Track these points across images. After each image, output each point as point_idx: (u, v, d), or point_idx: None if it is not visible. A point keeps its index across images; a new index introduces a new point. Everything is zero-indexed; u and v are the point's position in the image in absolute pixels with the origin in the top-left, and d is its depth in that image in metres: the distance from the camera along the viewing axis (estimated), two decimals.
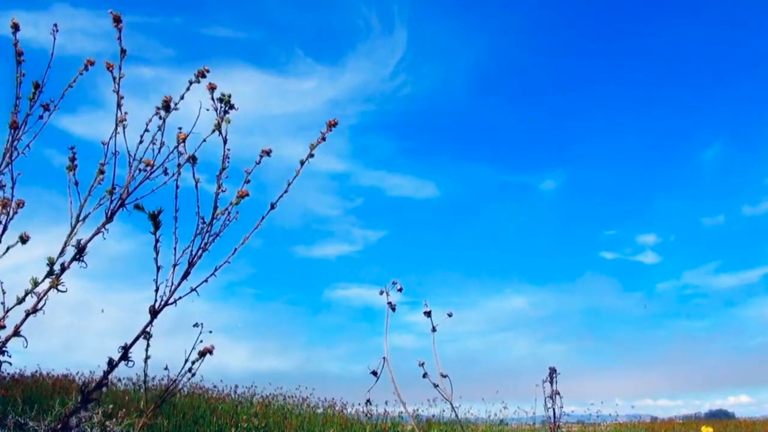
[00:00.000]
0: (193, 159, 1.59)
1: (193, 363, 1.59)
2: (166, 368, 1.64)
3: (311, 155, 1.70)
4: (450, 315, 2.15)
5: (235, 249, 1.63)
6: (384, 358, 2.10)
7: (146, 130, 1.63)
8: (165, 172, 1.63)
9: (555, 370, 3.57)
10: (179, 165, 1.60)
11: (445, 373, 2.11)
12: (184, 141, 1.59)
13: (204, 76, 1.58)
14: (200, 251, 1.60)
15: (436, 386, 2.12)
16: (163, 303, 1.57)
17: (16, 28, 1.69)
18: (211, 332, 1.55)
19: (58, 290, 1.55)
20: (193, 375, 1.60)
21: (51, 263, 1.55)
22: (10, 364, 1.57)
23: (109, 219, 1.59)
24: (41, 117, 1.74)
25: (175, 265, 1.58)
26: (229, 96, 1.56)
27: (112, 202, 1.60)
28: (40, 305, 1.56)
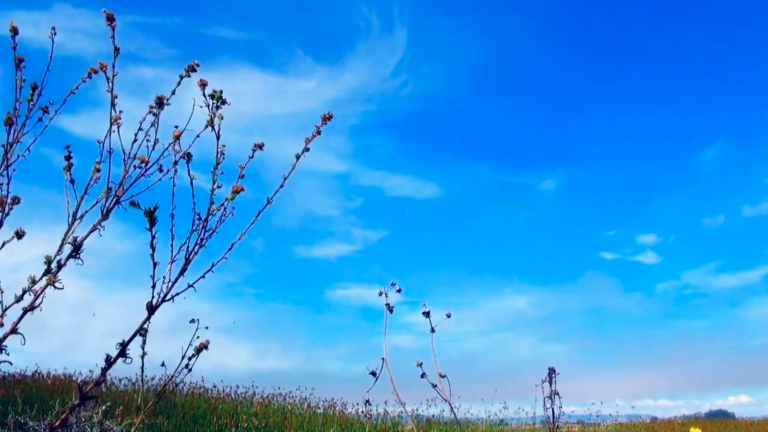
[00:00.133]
0: (187, 156, 1.59)
1: (189, 359, 1.59)
2: (162, 364, 1.65)
3: (307, 149, 1.70)
4: (449, 316, 2.16)
5: (232, 244, 1.64)
6: (383, 358, 2.11)
7: (140, 128, 1.64)
8: (160, 169, 1.64)
9: (554, 371, 3.57)
10: (174, 162, 1.61)
11: (443, 373, 2.11)
12: (178, 138, 1.59)
13: (194, 71, 1.60)
14: (197, 247, 1.61)
15: (434, 386, 2.12)
16: (160, 300, 1.57)
17: (15, 32, 1.70)
18: (207, 328, 1.56)
19: (55, 288, 1.56)
20: (190, 371, 1.61)
21: (48, 261, 1.56)
22: (11, 363, 1.58)
23: (105, 216, 1.60)
24: (40, 119, 1.75)
25: (171, 262, 1.59)
26: (221, 92, 1.57)
27: (108, 199, 1.61)
28: (37, 303, 1.57)
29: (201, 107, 1.61)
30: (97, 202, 1.65)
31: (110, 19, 1.63)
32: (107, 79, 1.65)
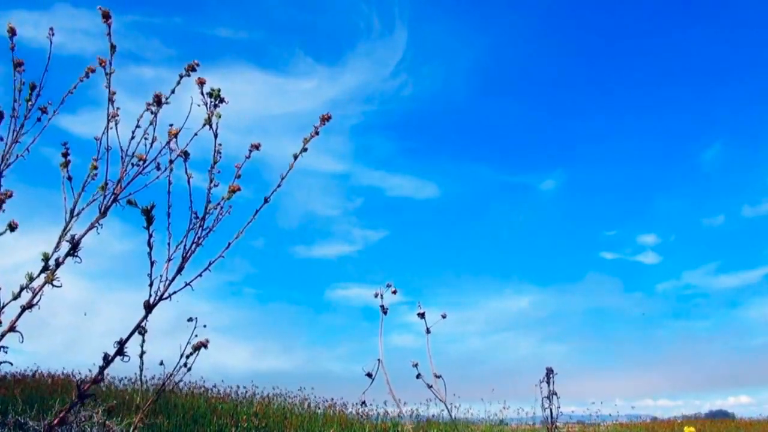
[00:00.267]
0: (185, 154, 1.60)
1: (187, 357, 1.60)
2: (161, 363, 1.65)
3: (305, 149, 1.71)
4: (444, 316, 2.16)
5: (229, 243, 1.65)
6: (378, 359, 2.11)
7: (138, 126, 1.64)
8: (158, 167, 1.64)
9: (552, 371, 3.59)
10: (171, 161, 1.62)
11: (438, 373, 2.12)
12: (175, 136, 1.60)
13: (194, 70, 1.60)
14: (194, 246, 1.61)
15: (429, 387, 2.13)
16: (157, 298, 1.58)
17: (12, 32, 1.70)
18: (205, 326, 1.57)
19: (53, 285, 1.56)
20: (189, 370, 1.62)
21: (46, 258, 1.57)
22: (11, 364, 1.58)
23: (103, 214, 1.60)
24: (39, 119, 1.75)
25: (168, 260, 1.59)
26: (219, 90, 1.58)
27: (105, 197, 1.61)
28: (35, 300, 1.57)
29: (199, 106, 1.61)
30: (94, 200, 1.65)
31: (106, 16, 1.63)
32: (106, 74, 1.66)
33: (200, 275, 1.62)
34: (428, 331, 2.17)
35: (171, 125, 1.62)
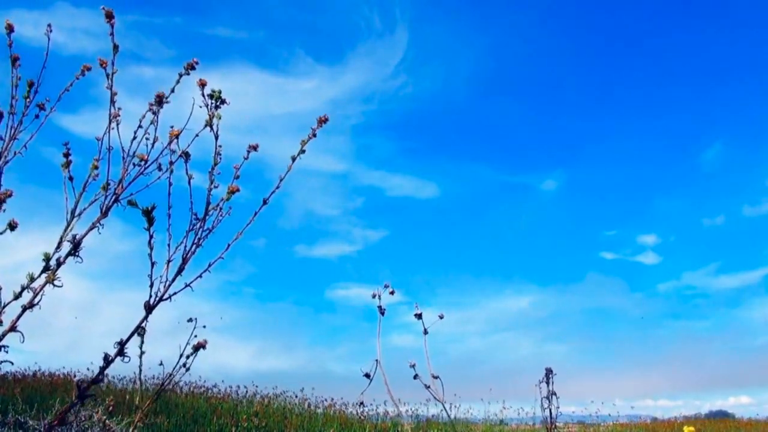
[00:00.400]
0: (186, 155, 1.60)
1: (187, 357, 1.60)
2: (161, 363, 1.66)
3: (302, 151, 1.72)
4: (441, 317, 2.17)
5: (228, 244, 1.65)
6: (377, 360, 2.12)
7: (139, 126, 1.65)
8: (159, 168, 1.65)
9: (551, 371, 3.59)
10: (171, 162, 1.62)
11: (436, 374, 2.12)
12: (176, 137, 1.60)
13: (193, 68, 1.61)
14: (194, 247, 1.62)
15: (427, 387, 2.13)
16: (157, 299, 1.58)
17: (10, 29, 1.70)
18: (205, 327, 1.57)
19: (54, 285, 1.57)
20: (188, 370, 1.62)
21: (47, 258, 1.57)
22: (11, 363, 1.58)
23: (104, 214, 1.61)
24: (37, 116, 1.75)
25: (169, 261, 1.60)
26: (220, 91, 1.58)
27: (106, 197, 1.61)
28: (36, 300, 1.57)
29: (200, 107, 1.62)
30: (95, 200, 1.65)
31: (109, 16, 1.64)
32: (107, 76, 1.66)
33: (200, 276, 1.63)
34: (426, 332, 2.17)
35: (172, 126, 1.63)
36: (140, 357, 1.61)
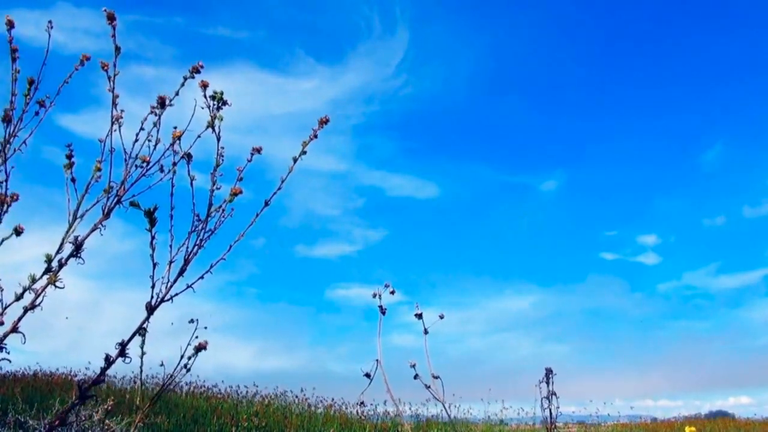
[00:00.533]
0: (188, 156, 1.60)
1: (188, 359, 1.61)
2: (161, 364, 1.66)
3: (304, 152, 1.72)
4: (441, 317, 2.17)
5: (230, 246, 1.65)
6: (377, 360, 2.12)
7: (141, 128, 1.65)
8: (161, 169, 1.65)
9: (551, 371, 3.58)
10: (174, 163, 1.62)
11: (437, 374, 2.13)
12: (179, 138, 1.60)
13: (198, 72, 1.60)
14: (196, 248, 1.62)
15: (427, 387, 2.13)
16: (159, 300, 1.59)
17: (11, 25, 1.71)
18: (206, 328, 1.57)
19: (56, 287, 1.57)
20: (189, 371, 1.62)
21: (49, 260, 1.57)
22: (9, 361, 1.59)
23: (106, 216, 1.61)
24: (37, 113, 1.75)
25: (171, 262, 1.60)
26: (222, 93, 1.58)
27: (108, 199, 1.62)
28: (38, 301, 1.58)
29: (202, 108, 1.62)
30: (98, 201, 1.65)
31: (111, 18, 1.64)
32: (108, 78, 1.66)
33: (202, 278, 1.63)
34: (426, 332, 2.17)
35: (175, 128, 1.63)
36: (141, 358, 1.62)
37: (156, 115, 1.64)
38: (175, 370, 1.61)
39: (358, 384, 2.09)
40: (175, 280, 1.59)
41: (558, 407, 3.43)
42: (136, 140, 1.65)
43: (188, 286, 1.62)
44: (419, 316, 2.20)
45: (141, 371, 1.68)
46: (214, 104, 1.60)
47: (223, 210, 1.64)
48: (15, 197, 1.62)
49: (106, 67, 1.63)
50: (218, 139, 1.62)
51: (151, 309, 1.58)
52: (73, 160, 1.70)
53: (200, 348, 1.60)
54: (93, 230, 1.60)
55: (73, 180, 1.69)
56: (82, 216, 1.65)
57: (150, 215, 1.53)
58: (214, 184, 1.63)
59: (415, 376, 2.15)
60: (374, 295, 2.14)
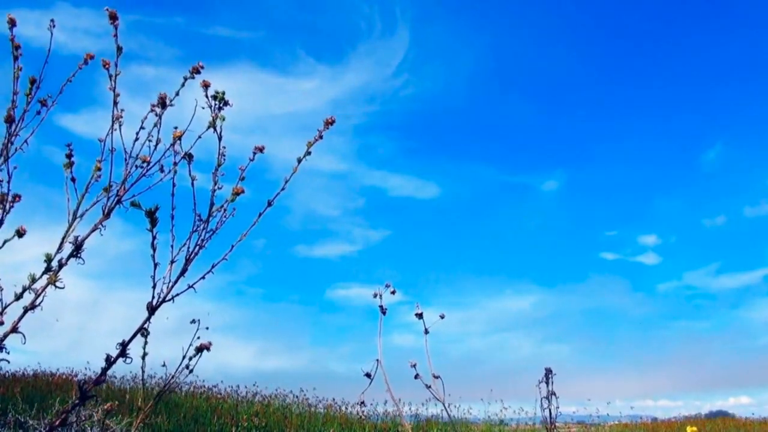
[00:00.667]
0: (189, 156, 1.60)
1: (190, 359, 1.60)
2: (163, 365, 1.66)
3: (308, 153, 1.71)
4: (442, 317, 2.17)
5: (232, 246, 1.65)
6: (377, 360, 2.11)
7: (142, 128, 1.64)
8: (161, 169, 1.64)
9: (551, 371, 3.58)
10: (175, 163, 1.62)
11: (437, 374, 2.12)
12: (179, 138, 1.60)
13: (198, 72, 1.60)
14: (197, 248, 1.61)
15: (428, 387, 2.13)
16: (160, 300, 1.58)
17: (12, 23, 1.70)
18: (207, 329, 1.57)
19: (56, 286, 1.56)
20: (191, 371, 1.62)
21: (49, 260, 1.57)
22: (8, 362, 1.58)
23: (107, 216, 1.60)
24: (39, 113, 1.74)
25: (172, 262, 1.59)
26: (223, 93, 1.58)
27: (109, 199, 1.61)
28: (38, 301, 1.57)
29: (203, 108, 1.61)
30: (98, 201, 1.65)
31: (113, 17, 1.63)
32: (110, 77, 1.66)
33: (203, 278, 1.63)
34: (426, 331, 2.17)
35: (176, 128, 1.62)
36: (143, 358, 1.61)
37: (157, 114, 1.64)
38: (177, 370, 1.61)
39: (358, 384, 2.08)
40: (176, 280, 1.58)
41: (558, 407, 3.44)
42: (137, 140, 1.65)
43: (189, 287, 1.61)
44: (420, 315, 2.20)
45: (143, 372, 1.67)
46: (215, 104, 1.60)
47: (225, 210, 1.63)
48: (17, 198, 1.61)
49: (108, 65, 1.63)
50: (220, 139, 1.61)
51: (152, 309, 1.58)
52: (72, 159, 1.70)
53: (202, 348, 1.60)
54: (93, 230, 1.59)
55: (73, 180, 1.68)
56: (82, 216, 1.64)
57: (151, 215, 1.53)
58: (215, 184, 1.62)
59: (416, 376, 2.15)
60: (375, 295, 2.13)
